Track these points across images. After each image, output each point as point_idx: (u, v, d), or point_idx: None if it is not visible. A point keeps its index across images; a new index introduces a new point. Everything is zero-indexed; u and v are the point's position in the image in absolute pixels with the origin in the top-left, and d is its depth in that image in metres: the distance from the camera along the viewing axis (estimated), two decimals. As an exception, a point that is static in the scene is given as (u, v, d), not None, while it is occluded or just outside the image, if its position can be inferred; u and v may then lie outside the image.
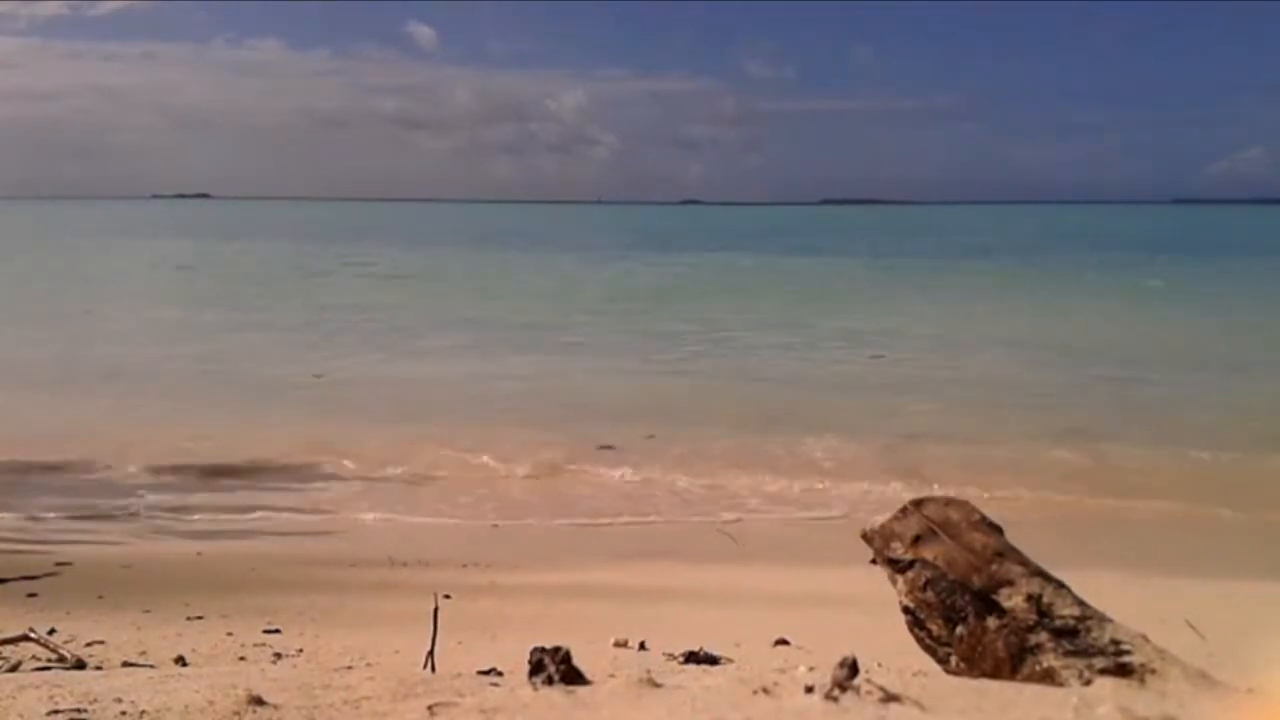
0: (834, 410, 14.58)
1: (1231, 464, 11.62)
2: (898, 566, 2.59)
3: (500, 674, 3.18)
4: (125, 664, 4.66)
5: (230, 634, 5.49)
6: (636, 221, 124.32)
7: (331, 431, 12.85)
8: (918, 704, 1.80)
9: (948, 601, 2.45)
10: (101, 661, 4.75)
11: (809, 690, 1.85)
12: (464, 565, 7.98)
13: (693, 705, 1.85)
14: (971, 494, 6.70)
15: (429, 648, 4.01)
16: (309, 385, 16.76)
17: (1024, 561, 2.49)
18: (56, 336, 21.82)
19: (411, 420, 13.78)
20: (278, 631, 5.59)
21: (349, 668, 4.10)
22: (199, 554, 8.34)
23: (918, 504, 2.65)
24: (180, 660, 4.88)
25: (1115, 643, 2.22)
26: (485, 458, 11.78)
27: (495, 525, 9.73)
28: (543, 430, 12.98)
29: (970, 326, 24.88)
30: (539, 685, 2.10)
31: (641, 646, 5.24)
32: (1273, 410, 14.83)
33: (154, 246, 58.91)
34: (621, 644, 5.27)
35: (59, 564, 7.43)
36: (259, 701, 2.17)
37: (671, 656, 4.96)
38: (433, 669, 3.72)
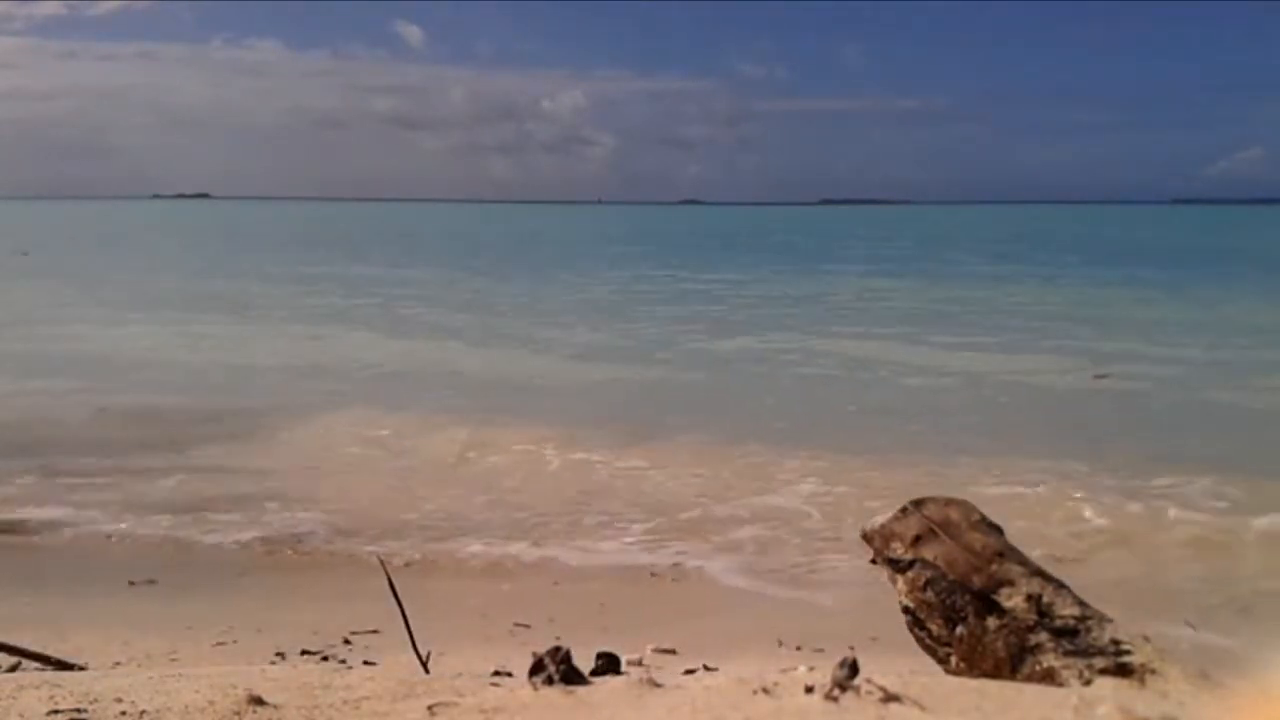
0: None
1: None
2: (898, 566, 2.59)
3: (500, 674, 3.19)
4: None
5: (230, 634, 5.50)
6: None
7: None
8: (918, 704, 1.80)
9: (948, 601, 2.45)
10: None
11: (809, 690, 1.84)
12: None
13: (693, 705, 1.85)
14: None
15: (416, 652, 3.91)
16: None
17: (1024, 561, 2.49)
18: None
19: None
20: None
21: (349, 668, 4.09)
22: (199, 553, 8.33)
23: (918, 504, 2.65)
24: (180, 660, 4.90)
25: (1115, 643, 2.22)
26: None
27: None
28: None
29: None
30: (539, 685, 2.10)
31: (641, 646, 5.25)
32: None
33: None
34: (621, 644, 5.27)
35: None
36: (259, 701, 2.18)
37: (672, 656, 4.97)
38: (425, 668, 3.70)
